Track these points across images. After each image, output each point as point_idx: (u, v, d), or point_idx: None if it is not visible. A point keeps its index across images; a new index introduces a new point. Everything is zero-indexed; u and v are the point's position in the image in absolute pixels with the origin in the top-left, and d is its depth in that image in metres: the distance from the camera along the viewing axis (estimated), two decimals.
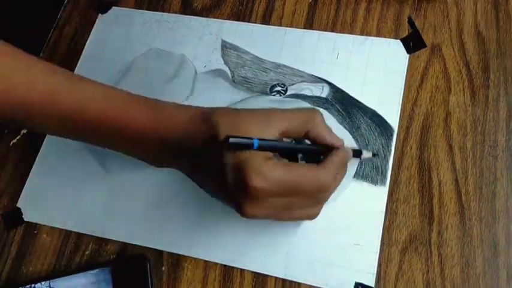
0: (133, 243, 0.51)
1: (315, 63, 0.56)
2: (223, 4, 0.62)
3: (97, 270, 0.49)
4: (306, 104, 0.54)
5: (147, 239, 0.51)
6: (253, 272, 0.49)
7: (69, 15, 0.65)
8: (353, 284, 0.47)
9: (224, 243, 0.50)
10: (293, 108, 0.43)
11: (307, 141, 0.44)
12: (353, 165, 0.51)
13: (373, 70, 0.55)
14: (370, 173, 0.50)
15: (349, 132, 0.52)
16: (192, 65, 0.58)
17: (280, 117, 0.41)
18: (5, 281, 0.52)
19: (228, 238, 0.50)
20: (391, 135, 0.52)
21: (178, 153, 0.44)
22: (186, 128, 0.43)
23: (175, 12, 0.62)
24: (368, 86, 0.54)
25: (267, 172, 0.38)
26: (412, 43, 0.55)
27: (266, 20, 0.60)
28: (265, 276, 0.48)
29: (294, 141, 0.44)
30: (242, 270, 0.49)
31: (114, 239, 0.52)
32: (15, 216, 0.54)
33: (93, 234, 0.52)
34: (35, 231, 0.53)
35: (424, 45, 0.55)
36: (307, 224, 0.49)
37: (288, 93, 0.55)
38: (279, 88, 0.55)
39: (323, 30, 0.58)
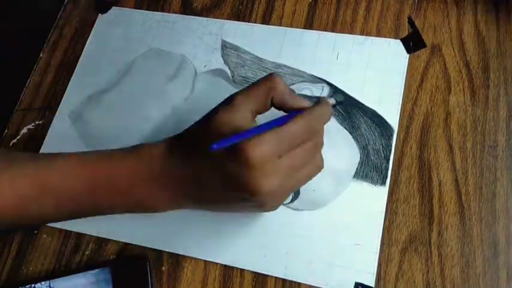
0: (133, 243, 0.51)
1: (314, 63, 0.56)
2: (223, 4, 0.62)
3: (97, 270, 0.49)
4: None
5: (147, 239, 0.51)
6: (253, 272, 0.49)
7: (69, 15, 0.65)
8: (353, 284, 0.47)
9: (224, 244, 0.50)
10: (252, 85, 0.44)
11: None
12: (353, 165, 0.51)
13: (373, 70, 0.55)
14: (370, 173, 0.50)
15: (349, 132, 0.52)
16: (192, 65, 0.58)
17: (245, 99, 0.42)
18: (5, 281, 0.52)
19: (228, 238, 0.50)
20: (391, 135, 0.52)
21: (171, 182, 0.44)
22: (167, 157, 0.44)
23: (176, 12, 0.62)
24: (368, 86, 0.54)
25: (258, 139, 0.38)
26: (412, 43, 0.55)
27: (266, 20, 0.60)
28: (265, 276, 0.48)
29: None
30: (242, 270, 0.49)
31: (114, 239, 0.52)
32: None
33: (93, 234, 0.52)
34: (35, 231, 0.53)
35: (424, 45, 0.55)
36: (306, 223, 0.49)
37: None
38: None
39: (323, 30, 0.58)
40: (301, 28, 0.58)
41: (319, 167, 0.44)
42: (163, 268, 0.50)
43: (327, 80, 0.55)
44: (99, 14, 0.64)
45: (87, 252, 0.52)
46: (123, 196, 0.45)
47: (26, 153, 0.50)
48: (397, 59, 0.55)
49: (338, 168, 0.51)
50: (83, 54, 0.61)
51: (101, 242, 0.52)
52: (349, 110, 0.53)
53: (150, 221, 0.51)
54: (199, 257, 0.50)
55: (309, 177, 0.44)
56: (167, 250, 0.50)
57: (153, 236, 0.51)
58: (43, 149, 0.57)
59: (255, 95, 0.42)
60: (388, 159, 0.51)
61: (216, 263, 0.49)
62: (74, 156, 0.46)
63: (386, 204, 0.49)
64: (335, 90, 0.54)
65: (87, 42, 0.62)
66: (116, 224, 0.52)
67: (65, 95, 0.59)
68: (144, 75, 0.59)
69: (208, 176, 0.42)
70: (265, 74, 0.55)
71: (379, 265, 0.47)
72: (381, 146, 0.51)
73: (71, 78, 0.60)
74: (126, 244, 0.51)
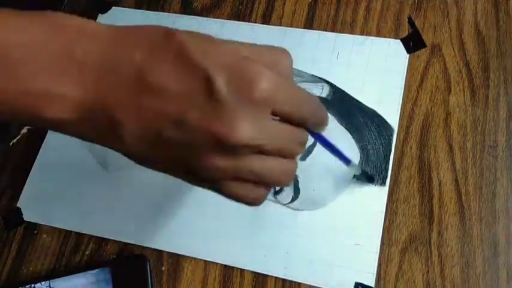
0: (133, 243, 0.51)
1: (314, 63, 0.56)
2: (223, 4, 0.62)
3: (97, 270, 0.49)
4: None
5: (147, 239, 0.51)
6: (253, 272, 0.49)
7: None
8: (353, 284, 0.47)
9: (224, 244, 0.50)
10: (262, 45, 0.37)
11: None
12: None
13: (373, 70, 0.55)
14: (369, 173, 0.50)
15: (349, 132, 0.52)
16: None
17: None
18: (5, 281, 0.52)
19: (228, 238, 0.50)
20: (391, 135, 0.52)
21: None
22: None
23: (176, 12, 0.62)
24: (368, 86, 0.54)
25: (275, 73, 0.31)
26: (412, 43, 0.55)
27: (266, 20, 0.60)
28: (265, 276, 0.48)
29: None
30: (242, 270, 0.49)
31: (114, 239, 0.52)
32: (15, 216, 0.54)
33: (93, 234, 0.52)
34: (35, 231, 0.53)
35: (424, 45, 0.55)
36: (306, 223, 0.49)
37: None
38: None
39: (323, 30, 0.58)
40: (301, 28, 0.58)
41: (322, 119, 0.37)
42: (163, 268, 0.50)
43: (327, 79, 0.55)
44: (99, 14, 0.64)
45: (87, 252, 0.52)
46: (12, 79, 0.30)
47: None
48: (397, 59, 0.55)
49: (338, 168, 0.51)
50: None
51: (101, 242, 0.52)
52: (349, 109, 0.53)
53: (150, 221, 0.52)
54: (199, 257, 0.50)
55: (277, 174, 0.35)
56: (167, 250, 0.50)
57: (153, 236, 0.51)
58: (42, 149, 0.57)
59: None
60: (388, 159, 0.51)
61: (216, 263, 0.49)
62: None
63: (386, 204, 0.49)
64: (335, 90, 0.54)
65: None
66: (115, 224, 0.52)
67: None
68: None
69: (168, 79, 0.30)
70: None
71: (379, 265, 0.47)
72: (380, 146, 0.51)
73: None
74: (126, 244, 0.51)
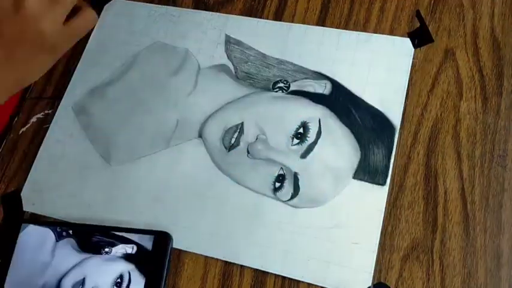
0: None
1: (318, 59, 0.56)
2: None
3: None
4: (307, 102, 0.54)
5: None
6: (252, 270, 0.49)
7: None
8: (351, 282, 0.47)
9: (224, 240, 0.50)
10: None
11: None
12: (353, 163, 0.51)
13: (376, 68, 0.54)
14: (370, 172, 0.50)
15: (351, 130, 0.52)
16: (195, 59, 0.58)
17: None
18: None
19: (228, 235, 0.50)
20: (393, 134, 0.51)
21: None
22: None
23: (188, 7, 0.62)
24: (371, 84, 0.53)
25: None
26: (419, 37, 0.54)
27: (278, 17, 0.59)
28: (264, 274, 0.48)
29: None
30: (242, 268, 0.49)
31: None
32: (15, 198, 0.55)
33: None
34: None
35: (431, 40, 0.54)
36: (305, 220, 0.49)
37: (291, 89, 0.55)
38: (281, 84, 0.55)
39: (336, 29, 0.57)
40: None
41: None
42: None
43: (330, 77, 0.54)
44: (104, 6, 0.63)
45: None
46: None
47: None
48: (401, 58, 0.54)
49: (338, 166, 0.51)
50: (87, 47, 0.61)
51: None
52: (352, 107, 0.53)
53: (152, 216, 0.52)
54: (199, 253, 0.50)
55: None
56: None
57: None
58: (46, 140, 0.57)
59: None
60: (389, 159, 0.50)
61: (217, 260, 0.49)
62: None
63: (389, 208, 0.49)
64: (338, 87, 0.54)
65: (91, 35, 0.62)
66: (117, 217, 0.52)
67: (68, 87, 0.60)
68: (148, 69, 0.59)
69: None
70: (268, 70, 0.56)
71: (380, 271, 0.47)
72: (382, 145, 0.51)
73: (75, 70, 0.60)
74: None
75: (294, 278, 0.48)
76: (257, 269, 0.49)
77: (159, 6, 0.62)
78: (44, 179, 0.56)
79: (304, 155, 0.51)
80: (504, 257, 0.46)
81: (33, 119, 0.59)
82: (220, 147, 0.53)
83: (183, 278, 0.49)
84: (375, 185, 0.50)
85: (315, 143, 0.51)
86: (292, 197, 0.50)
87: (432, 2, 0.56)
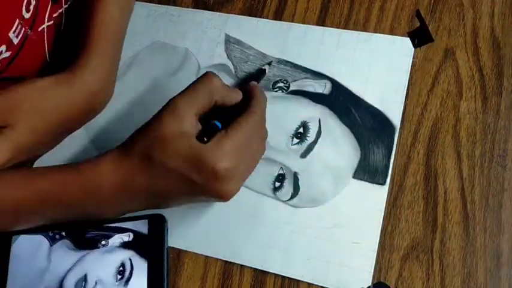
0: None
1: (318, 59, 0.56)
2: None
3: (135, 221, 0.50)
4: (307, 101, 0.54)
5: None
6: (252, 269, 0.49)
7: None
8: (351, 282, 0.47)
9: (224, 240, 0.50)
10: (190, 85, 0.46)
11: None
12: (353, 163, 0.51)
13: (376, 67, 0.54)
14: (370, 172, 0.50)
15: (351, 129, 0.52)
16: (195, 59, 0.58)
17: (188, 106, 0.44)
18: None
19: (228, 234, 0.50)
20: (393, 133, 0.51)
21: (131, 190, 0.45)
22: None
23: (188, 6, 0.62)
24: (371, 83, 0.53)
25: (221, 152, 0.42)
26: (419, 37, 0.54)
27: (278, 16, 0.59)
28: (264, 274, 0.48)
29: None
30: (242, 268, 0.49)
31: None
32: None
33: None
34: None
35: (431, 40, 0.54)
36: (305, 220, 0.49)
37: (291, 89, 0.55)
38: (281, 84, 0.55)
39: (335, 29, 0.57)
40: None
41: (264, 150, 0.48)
42: None
43: (330, 76, 0.54)
44: None
45: None
46: (71, 210, 0.47)
47: None
48: (401, 57, 0.54)
49: (338, 165, 0.51)
50: None
51: None
52: (351, 107, 0.53)
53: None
54: (199, 252, 0.50)
55: (258, 162, 0.48)
56: (168, 245, 0.51)
57: None
58: None
59: (196, 100, 0.44)
60: (389, 158, 0.50)
61: (216, 259, 0.49)
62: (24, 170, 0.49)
63: (389, 207, 0.49)
64: (338, 87, 0.54)
65: None
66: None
67: None
68: (148, 68, 0.59)
69: (165, 184, 0.44)
70: (267, 69, 0.55)
71: (379, 271, 0.47)
72: (382, 145, 0.51)
73: None
74: None
75: (294, 277, 0.48)
76: (257, 269, 0.48)
77: (159, 5, 0.62)
78: None
79: (304, 155, 0.51)
80: (504, 256, 0.46)
81: None
82: None
83: (183, 277, 0.49)
84: (374, 185, 0.50)
85: (314, 142, 0.51)
86: (292, 197, 0.50)
87: (432, 1, 0.56)
